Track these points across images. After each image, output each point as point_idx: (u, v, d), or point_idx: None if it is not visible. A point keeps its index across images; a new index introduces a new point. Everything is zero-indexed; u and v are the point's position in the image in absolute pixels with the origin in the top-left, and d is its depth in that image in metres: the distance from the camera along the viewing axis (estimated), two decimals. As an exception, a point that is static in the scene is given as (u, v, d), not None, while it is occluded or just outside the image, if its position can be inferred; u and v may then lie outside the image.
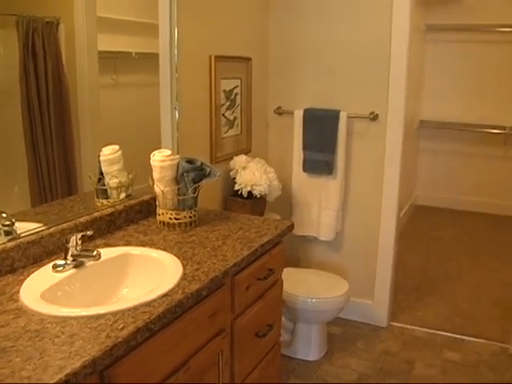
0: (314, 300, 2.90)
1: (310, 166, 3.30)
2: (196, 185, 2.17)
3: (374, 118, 3.21)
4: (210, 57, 2.75)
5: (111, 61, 2.13)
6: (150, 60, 2.36)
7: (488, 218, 5.94)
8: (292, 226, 2.27)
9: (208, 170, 2.21)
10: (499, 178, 6.02)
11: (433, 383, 2.89)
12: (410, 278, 4.24)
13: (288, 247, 3.57)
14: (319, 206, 3.36)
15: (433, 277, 4.30)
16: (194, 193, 2.17)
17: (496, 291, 4.07)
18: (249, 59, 3.14)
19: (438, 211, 6.18)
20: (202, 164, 2.21)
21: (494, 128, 5.78)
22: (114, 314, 1.41)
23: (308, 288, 3.01)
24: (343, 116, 3.19)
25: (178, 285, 1.61)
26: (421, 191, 6.40)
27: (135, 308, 1.44)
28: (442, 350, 3.22)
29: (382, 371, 3.00)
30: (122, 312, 1.42)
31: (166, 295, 1.53)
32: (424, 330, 3.46)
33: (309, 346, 3.06)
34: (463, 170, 6.15)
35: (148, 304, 1.47)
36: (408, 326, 3.49)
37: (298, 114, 3.30)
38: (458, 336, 3.39)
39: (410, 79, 3.33)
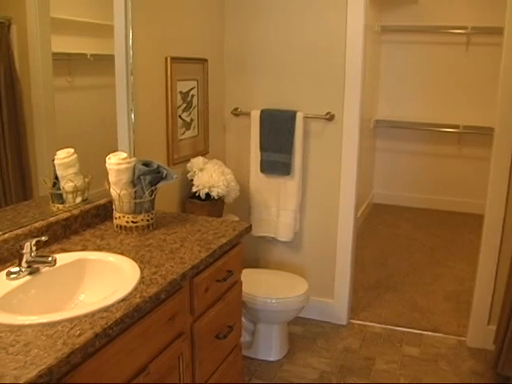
0: (274, 300, 2.91)
1: (267, 167, 3.31)
2: (153, 187, 2.15)
3: (330, 118, 3.24)
4: (166, 58, 2.73)
5: (66, 63, 2.10)
6: (105, 62, 2.33)
7: (443, 215, 6.07)
8: (250, 227, 2.28)
9: (165, 172, 2.20)
10: (454, 175, 6.17)
11: (395, 383, 2.94)
12: (369, 276, 4.30)
13: (247, 248, 3.58)
14: (277, 206, 3.38)
15: (391, 274, 4.37)
16: (151, 196, 2.15)
17: (451, 286, 4.16)
18: (205, 60, 3.13)
19: (395, 209, 6.28)
20: (158, 166, 2.19)
21: (448, 127, 5.91)
22: (71, 320, 1.39)
23: (268, 288, 3.02)
24: (300, 116, 3.21)
25: (135, 289, 1.59)
26: (378, 190, 6.49)
27: (92, 314, 1.42)
28: (401, 346, 3.28)
29: (343, 368, 3.03)
30: (79, 318, 1.40)
31: (123, 300, 1.52)
32: (383, 326, 3.51)
33: (270, 347, 3.07)
34: (419, 168, 6.27)
35: (105, 309, 1.45)
36: (368, 323, 3.54)
37: (255, 115, 3.31)
38: (417, 331, 3.46)
39: (366, 79, 3.38)
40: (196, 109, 3.08)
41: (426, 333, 3.44)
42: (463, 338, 3.37)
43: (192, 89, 3.02)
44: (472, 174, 6.06)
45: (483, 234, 3.17)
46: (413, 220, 5.90)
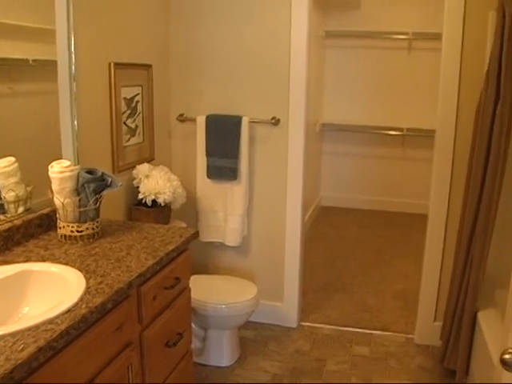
0: (223, 306, 2.91)
1: (214, 172, 3.31)
2: (97, 195, 2.11)
3: (275, 122, 3.26)
4: (110, 64, 2.69)
5: (6, 68, 2.04)
6: (48, 67, 2.28)
7: (389, 216, 6.20)
8: (197, 233, 2.27)
9: (109, 179, 2.16)
10: (398, 177, 6.31)
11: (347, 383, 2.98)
12: (318, 278, 4.34)
13: (195, 254, 3.56)
14: (225, 211, 3.38)
15: (339, 275, 4.42)
16: (96, 204, 2.12)
17: (399, 285, 4.25)
18: (149, 66, 3.11)
19: (342, 211, 6.37)
20: (103, 174, 2.16)
21: (393, 130, 6.05)
22: (14, 334, 1.35)
23: (217, 294, 3.01)
24: (245, 121, 3.22)
25: (81, 299, 1.56)
26: (325, 192, 6.57)
27: (36, 327, 1.39)
28: (351, 346, 3.32)
29: (295, 371, 3.05)
30: (22, 332, 1.36)
31: (69, 311, 1.48)
32: (333, 327, 3.55)
33: (221, 352, 3.06)
34: (365, 170, 6.38)
35: (50, 321, 1.42)
36: (318, 325, 3.58)
37: (201, 121, 3.30)
38: (366, 331, 3.52)
39: (311, 84, 3.42)
40: (141, 115, 3.05)
41: (375, 332, 3.50)
42: (411, 336, 3.44)
43: (137, 95, 2.99)
44: (416, 175, 6.21)
45: (427, 233, 3.25)
46: (360, 221, 6.00)
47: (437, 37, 3.17)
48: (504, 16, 2.55)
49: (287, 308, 3.53)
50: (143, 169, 2.93)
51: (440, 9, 3.02)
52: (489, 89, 2.65)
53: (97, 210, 2.13)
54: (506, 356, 1.15)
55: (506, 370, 1.15)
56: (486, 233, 2.71)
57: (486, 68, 2.79)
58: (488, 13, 2.91)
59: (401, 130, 6.01)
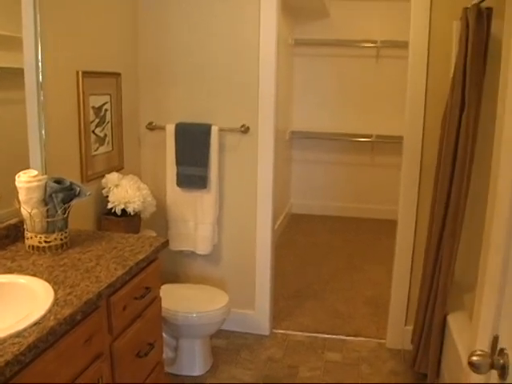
0: (195, 315, 2.89)
1: (183, 181, 3.29)
2: (66, 205, 2.09)
3: (245, 130, 3.27)
4: (78, 72, 2.66)
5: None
6: (15, 76, 2.24)
7: (359, 222, 6.25)
8: (167, 242, 2.26)
9: (78, 189, 2.14)
10: (368, 183, 6.37)
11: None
12: (290, 285, 4.35)
13: (166, 263, 3.54)
14: (195, 220, 3.36)
15: (311, 282, 4.44)
16: (64, 214, 2.09)
17: (369, 291, 4.28)
18: (118, 74, 3.08)
19: (313, 218, 6.40)
20: (71, 183, 2.13)
21: (362, 137, 6.11)
22: (-21, 348, 1.32)
23: (188, 303, 2.99)
24: (215, 130, 3.22)
25: (49, 311, 1.54)
26: (296, 200, 6.60)
27: (3, 340, 1.36)
28: (323, 352, 3.33)
29: (268, 378, 3.04)
30: (-12, 346, 1.33)
31: (36, 323, 1.46)
32: (305, 334, 3.56)
33: (193, 362, 3.04)
34: (335, 177, 6.43)
35: (17, 334, 1.39)
36: (290, 332, 3.58)
37: (170, 129, 3.28)
38: (338, 337, 3.53)
39: (280, 92, 3.43)
40: (110, 124, 3.03)
41: (347, 338, 3.52)
42: (383, 341, 3.47)
43: (105, 103, 2.96)
44: (385, 182, 6.27)
45: (396, 238, 3.29)
46: (330, 228, 6.03)
47: (404, 45, 3.21)
48: (467, 25, 2.61)
49: (259, 316, 3.53)
50: (112, 178, 2.91)
51: (407, 17, 3.07)
52: (454, 96, 2.70)
53: (65, 220, 2.11)
54: (474, 358, 1.16)
55: (474, 371, 1.17)
56: (454, 237, 2.75)
57: (451, 76, 2.85)
58: (452, 22, 2.97)
59: (370, 136, 6.08)
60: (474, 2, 2.58)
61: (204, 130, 3.22)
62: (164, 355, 2.36)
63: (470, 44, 2.57)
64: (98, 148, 2.91)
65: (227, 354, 3.30)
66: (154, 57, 3.34)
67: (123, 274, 1.87)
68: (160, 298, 2.28)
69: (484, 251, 1.53)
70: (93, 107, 2.83)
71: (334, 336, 3.54)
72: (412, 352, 3.12)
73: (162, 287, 3.01)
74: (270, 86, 3.22)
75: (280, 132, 5.21)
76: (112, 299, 1.83)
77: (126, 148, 3.24)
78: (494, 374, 1.18)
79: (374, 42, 5.93)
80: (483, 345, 1.35)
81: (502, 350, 1.19)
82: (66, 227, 2.12)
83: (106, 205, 2.86)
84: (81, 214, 2.71)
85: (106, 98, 2.98)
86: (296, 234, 5.82)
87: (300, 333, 3.57)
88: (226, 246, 3.49)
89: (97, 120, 2.88)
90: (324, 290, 4.29)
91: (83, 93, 2.70)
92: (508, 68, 1.35)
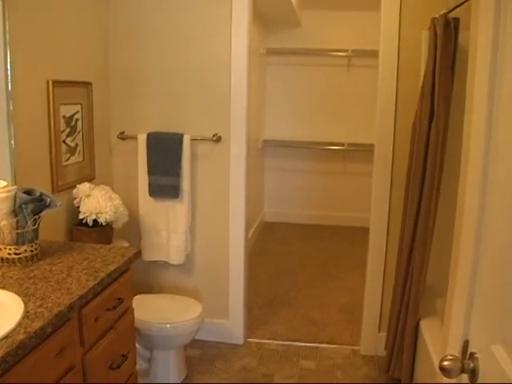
0: (168, 325, 2.87)
1: (156, 191, 3.28)
2: (36, 216, 2.06)
3: (217, 139, 3.27)
4: (48, 82, 2.64)
5: None
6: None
7: (333, 230, 6.29)
8: (139, 253, 2.24)
9: (48, 200, 2.11)
10: (340, 191, 6.41)
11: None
12: (264, 293, 4.35)
13: (139, 274, 3.51)
14: (167, 229, 3.34)
15: (285, 290, 4.44)
16: (34, 225, 2.06)
17: (343, 298, 4.30)
18: (89, 83, 3.06)
19: (286, 226, 6.42)
20: (41, 194, 2.11)
21: (334, 145, 6.15)
22: None
23: (162, 313, 2.97)
24: (187, 139, 3.21)
25: (19, 324, 1.51)
26: (269, 208, 6.61)
27: (-29, 354, 1.34)
28: (298, 360, 3.33)
29: (242, 388, 3.04)
30: (-45, 361, 1.31)
31: (6, 337, 1.43)
32: (280, 342, 3.56)
33: (167, 372, 3.02)
34: (307, 185, 6.46)
35: (-14, 348, 1.37)
36: (264, 341, 3.57)
37: (142, 139, 3.27)
38: (312, 344, 3.54)
39: (252, 100, 3.44)
40: (81, 133, 3.00)
41: (321, 345, 3.53)
42: (357, 347, 3.49)
43: (76, 113, 2.94)
44: (357, 189, 6.32)
45: (369, 246, 3.31)
46: (304, 236, 6.05)
47: (375, 54, 3.25)
48: (436, 35, 2.65)
49: (233, 325, 3.52)
50: (84, 188, 2.88)
51: (377, 27, 3.11)
52: (424, 104, 2.74)
53: (35, 232, 2.08)
54: (445, 363, 1.18)
55: (445, 376, 1.18)
56: (425, 244, 2.78)
57: (420, 84, 2.89)
58: (421, 32, 3.02)
59: (342, 144, 6.13)
60: (441, 13, 2.63)
61: (176, 140, 3.21)
62: (137, 366, 2.34)
63: (438, 53, 2.62)
64: (68, 158, 2.88)
65: (201, 364, 3.28)
66: (125, 66, 3.32)
67: (95, 285, 1.85)
68: (133, 309, 2.26)
69: (453, 258, 1.55)
70: (63, 117, 2.81)
71: (308, 344, 3.55)
72: (386, 358, 3.15)
73: (135, 298, 2.99)
74: (242, 94, 3.23)
75: (252, 141, 5.22)
76: (84, 311, 1.81)
77: (97, 158, 3.21)
78: (465, 377, 1.20)
79: (345, 50, 5.99)
80: (454, 349, 1.36)
81: (472, 354, 1.21)
82: (37, 238, 2.09)
83: (78, 215, 2.83)
84: (51, 225, 2.68)
85: (77, 108, 2.95)
86: (270, 242, 5.83)
87: (274, 341, 3.57)
88: (199, 256, 3.48)
89: (68, 130, 2.86)
90: (298, 297, 4.30)
91: (53, 102, 2.68)
92: (474, 78, 1.38)
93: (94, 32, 3.14)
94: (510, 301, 1.08)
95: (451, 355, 1.20)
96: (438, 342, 2.53)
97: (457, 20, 2.67)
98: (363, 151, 6.06)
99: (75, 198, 2.87)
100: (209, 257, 3.46)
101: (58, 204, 2.13)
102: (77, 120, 2.95)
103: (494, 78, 1.24)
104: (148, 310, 2.99)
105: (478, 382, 1.16)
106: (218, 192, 3.36)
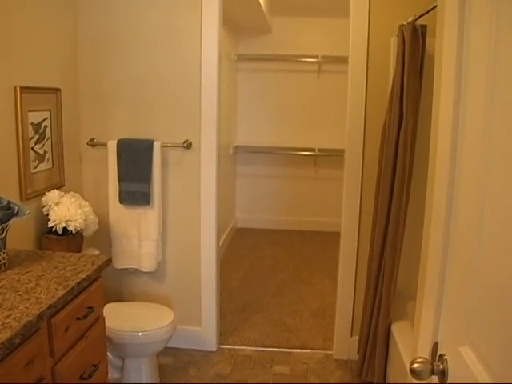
0: (140, 333, 2.84)
1: (126, 198, 3.25)
2: (3, 225, 2.03)
3: (187, 146, 3.26)
4: (15, 88, 2.60)
5: None
6: None
7: (305, 235, 6.30)
8: (110, 260, 2.22)
9: (16, 208, 2.08)
10: (312, 196, 6.44)
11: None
12: (236, 300, 4.34)
13: (110, 282, 3.47)
14: (138, 237, 3.32)
15: (257, 296, 4.44)
16: (2, 234, 2.03)
17: (316, 303, 4.31)
18: (58, 90, 3.03)
19: (258, 232, 6.42)
20: (9, 202, 2.08)
21: (305, 150, 6.18)
22: None
23: (133, 321, 2.94)
24: (157, 145, 3.20)
25: (-14, 335, 1.48)
26: (241, 214, 6.60)
27: None
28: (271, 366, 3.33)
29: (215, 395, 3.02)
30: None
31: (-28, 348, 1.41)
32: (253, 348, 3.55)
33: (140, 381, 2.99)
34: (279, 191, 6.47)
35: (-49, 361, 1.34)
36: (238, 347, 3.56)
37: (112, 145, 3.24)
38: (286, 350, 3.54)
39: (223, 106, 3.44)
40: (50, 140, 2.96)
41: (294, 350, 3.53)
42: (330, 352, 3.50)
43: (45, 119, 2.90)
44: (328, 194, 6.36)
45: (340, 250, 3.33)
46: (276, 242, 6.06)
47: (344, 60, 3.28)
48: (404, 41, 2.69)
49: (206, 332, 3.50)
50: (53, 196, 2.84)
51: (347, 33, 3.14)
52: (393, 109, 2.77)
53: (3, 241, 2.04)
54: (415, 365, 1.19)
55: (415, 378, 1.19)
56: (395, 248, 2.81)
57: (389, 90, 2.92)
58: (390, 38, 3.06)
59: (313, 150, 6.16)
60: (409, 20, 2.67)
61: (146, 146, 3.20)
62: (109, 376, 2.31)
63: (406, 59, 2.65)
64: (37, 165, 2.84)
65: (174, 371, 3.26)
66: (94, 72, 3.30)
67: (64, 294, 1.83)
68: (103, 318, 2.24)
69: (422, 262, 1.57)
70: (32, 123, 2.77)
71: (281, 349, 3.55)
72: (359, 362, 3.17)
73: (106, 306, 2.96)
74: (212, 101, 3.22)
75: (224, 147, 5.22)
76: (53, 321, 1.79)
77: (66, 165, 3.17)
78: (436, 379, 1.21)
79: (316, 57, 6.03)
80: (424, 352, 1.38)
81: (441, 355, 1.22)
82: (4, 247, 2.06)
83: (47, 223, 2.79)
84: (20, 233, 2.63)
85: (46, 114, 2.92)
86: (242, 248, 5.82)
87: (247, 347, 3.56)
88: (171, 263, 3.46)
89: (36, 136, 2.82)
90: (271, 303, 4.30)
91: (21, 109, 2.64)
92: (440, 82, 1.40)
93: (62, 38, 3.10)
94: (476, 303, 1.09)
95: (421, 358, 1.22)
96: (409, 345, 2.55)
97: (424, 27, 2.72)
98: (334, 156, 6.10)
99: (44, 206, 2.84)
100: (180, 264, 3.45)
101: (27, 212, 2.10)
102: (45, 127, 2.91)
103: (459, 82, 1.26)
104: (120, 318, 2.96)
105: (448, 383, 1.17)
106: (189, 198, 3.35)
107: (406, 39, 2.68)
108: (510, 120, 0.98)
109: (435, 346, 1.30)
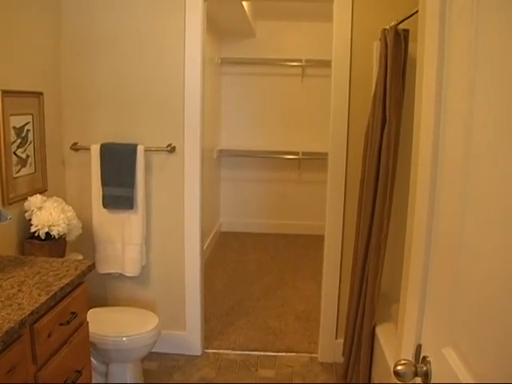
0: (124, 338, 2.83)
1: (110, 202, 3.23)
2: (-15, 230, 2.01)
3: (171, 150, 3.25)
4: (-3, 92, 2.58)
5: None
6: None
7: (289, 238, 6.31)
8: (93, 265, 2.21)
9: (-2, 213, 2.07)
10: (296, 199, 6.45)
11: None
12: (221, 304, 4.33)
13: (94, 287, 3.44)
14: (122, 241, 3.30)
15: (242, 300, 4.43)
16: (-17, 239, 2.01)
17: (301, 306, 4.32)
18: (40, 94, 3.00)
19: (243, 236, 6.41)
20: (-10, 208, 2.06)
21: (289, 154, 6.19)
22: None
23: (117, 326, 2.92)
24: (140, 149, 3.19)
25: (-33, 342, 1.47)
26: (225, 218, 6.60)
27: None
28: (256, 370, 3.33)
29: (200, 400, 3.01)
30: None
31: (-47, 355, 1.39)
32: (238, 352, 3.55)
33: (124, 386, 2.97)
34: (264, 194, 6.47)
35: None
36: (222, 351, 3.56)
37: (95, 150, 3.22)
38: (271, 353, 3.54)
39: (207, 110, 3.44)
40: (32, 144, 2.94)
41: (279, 354, 3.53)
42: (315, 355, 3.50)
43: (27, 123, 2.88)
44: (313, 198, 6.37)
45: (324, 253, 3.34)
46: (260, 245, 6.05)
47: (328, 64, 3.29)
48: (386, 46, 2.71)
49: (190, 336, 3.49)
50: (35, 200, 2.82)
51: (330, 37, 3.15)
52: (376, 113, 2.79)
53: (-16, 246, 2.03)
54: (398, 367, 1.19)
55: (399, 380, 1.20)
56: (379, 251, 2.82)
57: (372, 93, 2.94)
58: (373, 42, 3.08)
59: (296, 153, 6.16)
60: (391, 24, 2.69)
61: (130, 150, 3.18)
62: (93, 381, 2.29)
63: (389, 63, 2.68)
64: (19, 170, 2.82)
65: (159, 376, 3.25)
66: (77, 76, 3.28)
67: (47, 299, 1.81)
68: (87, 323, 2.22)
69: (405, 265, 1.58)
70: (14, 127, 2.74)
71: (266, 353, 3.55)
72: (344, 364, 3.17)
73: (90, 311, 2.93)
74: (196, 105, 3.22)
75: (207, 151, 5.21)
76: (36, 327, 1.77)
77: (49, 169, 3.15)
78: (419, 380, 1.22)
79: (299, 60, 6.05)
80: (408, 354, 1.39)
81: (424, 357, 1.23)
82: (-14, 253, 2.04)
83: (29, 228, 2.77)
84: (2, 238, 2.61)
85: (28, 118, 2.90)
86: (226, 252, 5.81)
87: (232, 351, 3.56)
88: (155, 267, 3.44)
89: (18, 141, 2.79)
90: (256, 307, 4.30)
91: (3, 113, 2.62)
92: (422, 85, 1.41)
93: (45, 41, 3.08)
94: (458, 305, 1.10)
95: (405, 360, 1.22)
96: (393, 347, 2.56)
97: (406, 31, 2.74)
98: (318, 160, 6.10)
99: (27, 211, 2.81)
100: (165, 268, 3.43)
101: (9, 217, 2.09)
102: (28, 131, 2.89)
103: (441, 86, 1.27)
104: (103, 323, 2.94)
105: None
106: (173, 203, 3.34)
107: (388, 43, 2.70)
108: (489, 122, 0.99)
109: (418, 347, 1.31)
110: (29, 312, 1.69)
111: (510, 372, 0.88)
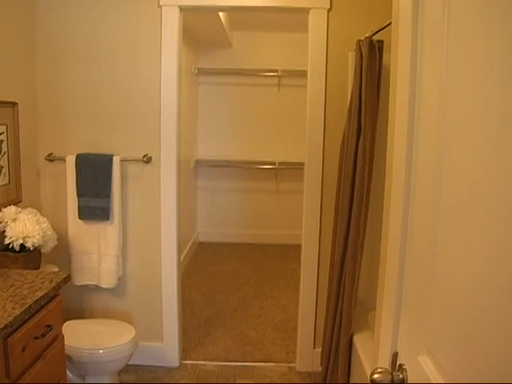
0: (100, 351, 2.80)
1: (85, 213, 3.20)
2: (-43, 243, 1.98)
3: (147, 160, 3.24)
4: (-30, 103, 2.56)
5: None
6: None
7: (266, 248, 6.31)
8: (69, 277, 2.18)
9: (-29, 225, 2.03)
10: (273, 209, 6.47)
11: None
12: (198, 315, 4.31)
13: (70, 299, 3.41)
14: (98, 252, 3.27)
15: (220, 310, 4.42)
16: (-44, 252, 1.98)
17: (278, 316, 4.31)
18: (14, 104, 2.97)
19: (220, 246, 6.40)
20: (-37, 220, 2.03)
21: (266, 164, 6.21)
22: None
23: (93, 339, 2.89)
24: (116, 160, 3.17)
25: None
26: (202, 228, 6.58)
27: None
28: (235, 380, 3.32)
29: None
30: None
31: None
32: (216, 363, 3.53)
33: (100, 400, 2.94)
34: (241, 204, 6.48)
35: None
36: (200, 362, 3.54)
37: (70, 160, 3.20)
38: (249, 363, 3.53)
39: (183, 120, 3.43)
40: (6, 155, 2.91)
41: (258, 364, 3.52)
42: (293, 364, 3.50)
43: (1, 134, 2.85)
44: (290, 207, 6.39)
45: (301, 263, 3.35)
46: (238, 255, 6.05)
47: (304, 74, 3.32)
48: (361, 56, 2.74)
49: (168, 348, 3.46)
50: (9, 212, 2.78)
51: (306, 47, 3.18)
52: (351, 122, 2.81)
53: (-43, 259, 1.99)
54: (375, 376, 1.20)
55: (376, 389, 1.20)
56: (355, 259, 2.84)
57: (348, 103, 2.97)
58: (348, 53, 3.12)
59: (273, 163, 6.19)
60: (366, 35, 2.72)
61: (105, 161, 3.16)
62: (69, 395, 2.26)
63: (364, 73, 2.71)
64: (-7, 181, 2.78)
65: (136, 389, 3.22)
66: (53, 87, 3.25)
67: (21, 313, 1.79)
68: (63, 336, 2.19)
69: (381, 273, 1.59)
70: (-13, 139, 2.71)
71: (244, 363, 3.54)
72: (322, 373, 3.18)
73: (66, 324, 2.90)
74: (172, 115, 3.22)
75: (184, 161, 5.21)
76: (9, 341, 1.74)
77: (24, 180, 3.11)
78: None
79: (275, 71, 6.09)
80: (384, 362, 1.39)
81: (400, 365, 1.24)
82: (-42, 266, 2.01)
83: (3, 240, 2.73)
84: (-25, 251, 2.57)
85: (2, 129, 2.87)
86: (203, 262, 5.79)
87: (210, 362, 3.54)
88: (131, 278, 3.41)
89: (-9, 152, 2.76)
90: (233, 317, 4.29)
91: (-24, 124, 2.59)
92: (395, 96, 1.43)
93: (19, 51, 3.06)
94: (432, 312, 1.11)
95: (381, 368, 1.23)
96: (370, 356, 2.58)
97: (381, 42, 2.78)
98: (294, 169, 6.14)
99: (1, 222, 2.77)
100: (141, 279, 3.41)
101: (-18, 229, 2.06)
102: (2, 141, 2.86)
103: (414, 95, 1.29)
104: (79, 335, 2.90)
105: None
106: (150, 213, 3.32)
107: (363, 54, 2.73)
108: (461, 131, 1.01)
109: (395, 355, 1.32)
110: (2, 326, 1.67)
111: (483, 378, 0.89)
